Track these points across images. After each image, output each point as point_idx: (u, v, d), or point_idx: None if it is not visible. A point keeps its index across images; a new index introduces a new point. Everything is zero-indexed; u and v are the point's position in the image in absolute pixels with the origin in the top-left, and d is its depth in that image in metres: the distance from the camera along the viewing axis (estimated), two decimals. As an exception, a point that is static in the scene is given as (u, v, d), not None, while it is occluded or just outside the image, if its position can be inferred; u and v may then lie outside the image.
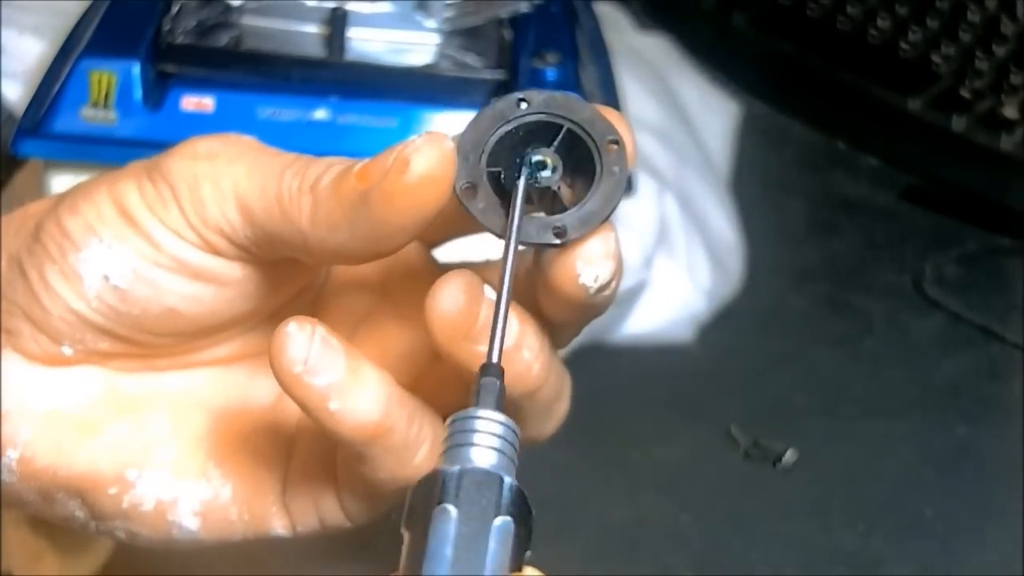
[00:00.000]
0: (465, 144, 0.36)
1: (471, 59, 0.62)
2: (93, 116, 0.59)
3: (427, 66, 0.62)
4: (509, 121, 0.36)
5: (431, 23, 0.63)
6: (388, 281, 0.43)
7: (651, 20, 0.87)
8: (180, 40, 0.61)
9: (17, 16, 0.73)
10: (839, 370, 0.69)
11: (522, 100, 0.36)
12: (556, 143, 0.36)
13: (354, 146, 0.59)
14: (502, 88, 0.61)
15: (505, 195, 0.36)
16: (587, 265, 0.35)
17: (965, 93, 0.79)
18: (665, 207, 0.70)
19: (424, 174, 0.35)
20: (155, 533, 0.41)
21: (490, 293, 0.36)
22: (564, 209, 0.35)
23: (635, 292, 0.68)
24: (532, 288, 0.37)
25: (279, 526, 0.41)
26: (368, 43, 0.63)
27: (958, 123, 0.79)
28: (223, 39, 0.62)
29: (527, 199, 0.35)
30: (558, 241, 0.35)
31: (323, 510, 0.41)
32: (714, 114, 0.81)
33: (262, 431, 0.42)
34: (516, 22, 0.64)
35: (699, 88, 0.82)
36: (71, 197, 0.39)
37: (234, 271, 0.39)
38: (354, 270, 0.43)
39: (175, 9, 0.62)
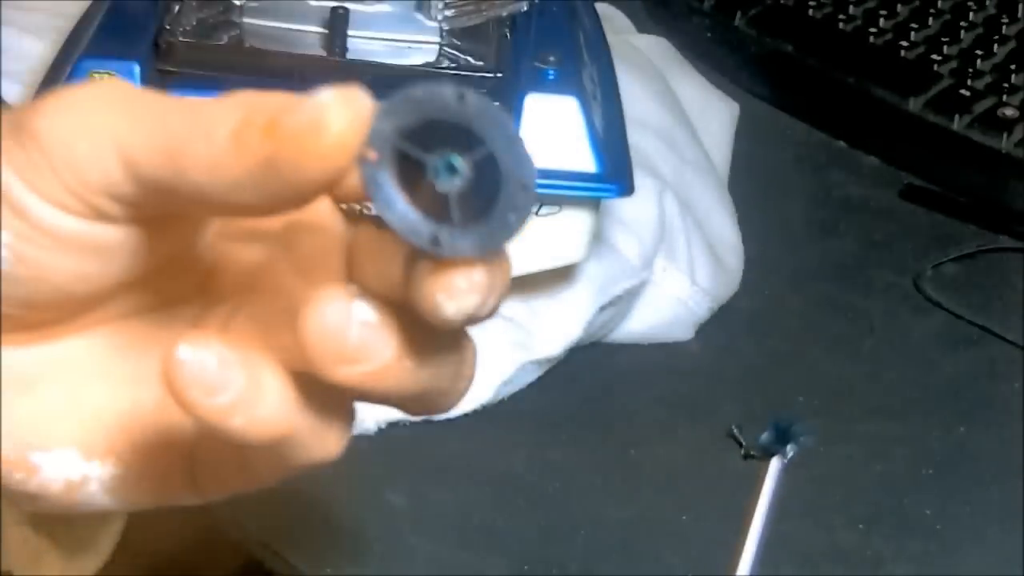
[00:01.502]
0: (385, 110, 0.33)
1: (471, 59, 0.62)
2: (93, 116, 0.59)
3: (427, 66, 0.62)
4: (444, 111, 0.33)
5: (431, 23, 0.63)
6: (289, 230, 0.40)
7: (651, 20, 0.87)
8: (180, 40, 0.61)
9: (17, 16, 0.73)
10: (839, 370, 0.69)
11: (463, 97, 0.32)
12: (474, 158, 0.33)
13: (354, 146, 0.59)
14: (502, 87, 0.61)
15: (403, 179, 0.33)
16: (448, 299, 0.33)
17: (965, 93, 0.79)
18: (665, 207, 0.70)
19: (339, 138, 0.32)
20: (64, 508, 0.39)
21: (360, 312, 0.34)
22: (447, 217, 0.33)
23: (635, 292, 0.68)
24: None
25: (189, 495, 0.40)
26: (368, 43, 0.63)
27: (958, 123, 0.79)
28: (224, 38, 0.62)
29: (413, 188, 0.33)
30: (429, 249, 0.33)
31: (230, 482, 0.39)
32: (714, 114, 0.81)
33: (162, 403, 0.39)
34: (516, 22, 0.64)
35: (699, 88, 0.82)
36: None
37: (123, 235, 0.36)
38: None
39: (175, 9, 0.62)
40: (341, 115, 0.32)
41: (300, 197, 0.34)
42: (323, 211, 0.39)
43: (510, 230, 0.32)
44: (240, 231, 0.40)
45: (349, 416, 0.38)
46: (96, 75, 0.59)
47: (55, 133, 0.34)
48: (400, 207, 0.33)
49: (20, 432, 0.38)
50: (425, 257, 0.33)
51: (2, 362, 0.38)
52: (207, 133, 0.33)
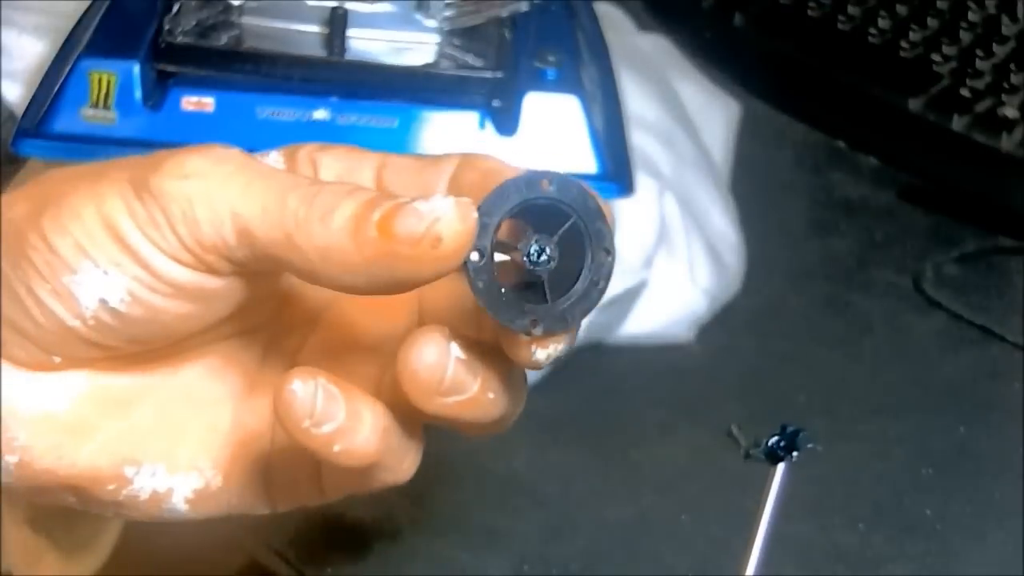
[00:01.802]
0: (483, 210, 0.37)
1: (471, 59, 0.62)
2: (93, 116, 0.59)
3: (427, 66, 0.62)
4: (527, 200, 0.37)
5: (431, 23, 0.63)
6: None
7: (651, 20, 0.87)
8: (180, 40, 0.61)
9: (17, 16, 0.73)
10: (839, 370, 0.69)
11: (547, 179, 0.37)
12: (560, 233, 0.37)
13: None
14: (502, 87, 0.61)
15: (501, 266, 0.37)
16: (541, 349, 0.38)
17: (965, 93, 0.79)
18: (665, 207, 0.70)
19: (453, 248, 0.36)
20: (147, 517, 0.43)
21: (456, 350, 0.38)
22: (541, 293, 0.37)
23: (635, 292, 0.68)
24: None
25: (262, 506, 0.43)
26: (368, 43, 0.63)
27: (958, 123, 0.78)
28: (223, 39, 0.62)
29: (511, 270, 0.38)
30: (531, 331, 0.37)
31: (304, 494, 0.43)
32: (714, 114, 0.81)
33: (244, 420, 0.43)
34: (516, 22, 0.64)
35: (699, 88, 0.82)
36: (54, 208, 0.39)
37: (227, 284, 0.39)
38: None
39: (175, 9, 0.62)
40: (456, 227, 0.36)
41: (406, 288, 0.37)
42: None
43: (593, 300, 0.38)
44: None
45: (421, 442, 0.42)
46: (96, 75, 0.59)
47: (176, 197, 0.38)
48: (500, 300, 0.37)
49: (115, 448, 0.41)
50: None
51: (102, 388, 0.41)
52: (323, 218, 0.36)
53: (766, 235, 0.75)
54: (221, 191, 0.37)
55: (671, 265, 0.69)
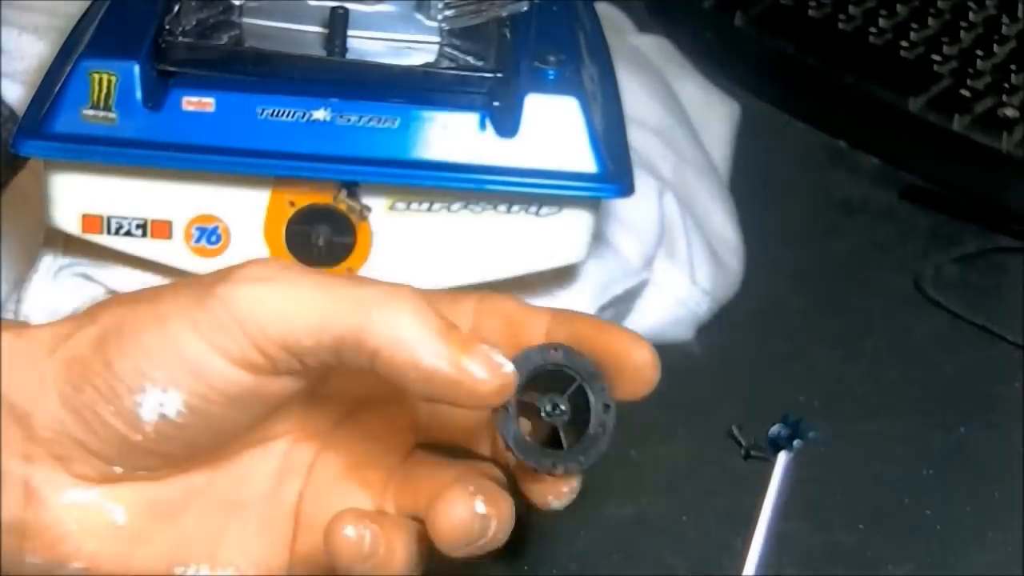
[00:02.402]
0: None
1: (471, 59, 0.62)
2: (93, 116, 0.59)
3: (427, 66, 0.62)
4: (545, 361, 0.46)
5: (431, 23, 0.63)
6: (365, 401, 0.49)
7: (651, 20, 0.87)
8: (180, 40, 0.61)
9: (17, 16, 0.73)
10: (839, 370, 0.69)
11: (556, 349, 0.46)
12: (569, 392, 0.46)
13: (354, 146, 0.59)
14: (502, 87, 0.61)
15: (524, 416, 0.46)
16: (556, 500, 0.47)
17: (965, 93, 0.79)
18: (665, 207, 0.70)
19: (493, 394, 0.43)
20: None
21: (479, 506, 0.43)
22: (558, 440, 0.46)
23: (635, 292, 0.68)
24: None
25: None
26: (368, 43, 0.63)
27: (958, 123, 0.79)
28: (223, 38, 0.62)
29: (531, 421, 0.47)
30: (552, 471, 0.46)
31: None
32: (714, 114, 0.81)
33: (271, 522, 0.47)
34: (516, 22, 0.64)
35: (699, 88, 0.82)
36: (116, 338, 0.42)
37: (280, 385, 0.43)
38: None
39: (175, 9, 0.62)
40: (502, 380, 0.43)
41: (443, 399, 0.43)
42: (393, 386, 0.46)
43: (601, 448, 0.47)
44: (343, 378, 0.47)
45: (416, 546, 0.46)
46: (96, 75, 0.59)
47: (246, 298, 0.41)
48: (525, 446, 0.45)
49: (167, 551, 0.45)
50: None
51: (152, 500, 0.45)
52: (395, 312, 0.42)
53: (766, 235, 0.75)
54: (291, 289, 0.41)
55: (671, 265, 0.69)
